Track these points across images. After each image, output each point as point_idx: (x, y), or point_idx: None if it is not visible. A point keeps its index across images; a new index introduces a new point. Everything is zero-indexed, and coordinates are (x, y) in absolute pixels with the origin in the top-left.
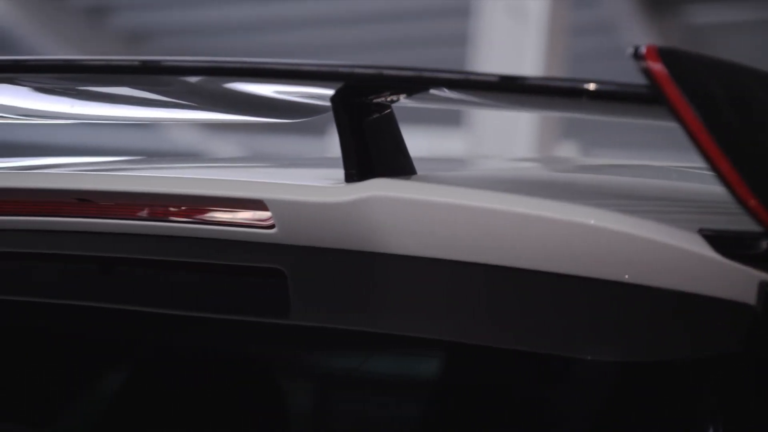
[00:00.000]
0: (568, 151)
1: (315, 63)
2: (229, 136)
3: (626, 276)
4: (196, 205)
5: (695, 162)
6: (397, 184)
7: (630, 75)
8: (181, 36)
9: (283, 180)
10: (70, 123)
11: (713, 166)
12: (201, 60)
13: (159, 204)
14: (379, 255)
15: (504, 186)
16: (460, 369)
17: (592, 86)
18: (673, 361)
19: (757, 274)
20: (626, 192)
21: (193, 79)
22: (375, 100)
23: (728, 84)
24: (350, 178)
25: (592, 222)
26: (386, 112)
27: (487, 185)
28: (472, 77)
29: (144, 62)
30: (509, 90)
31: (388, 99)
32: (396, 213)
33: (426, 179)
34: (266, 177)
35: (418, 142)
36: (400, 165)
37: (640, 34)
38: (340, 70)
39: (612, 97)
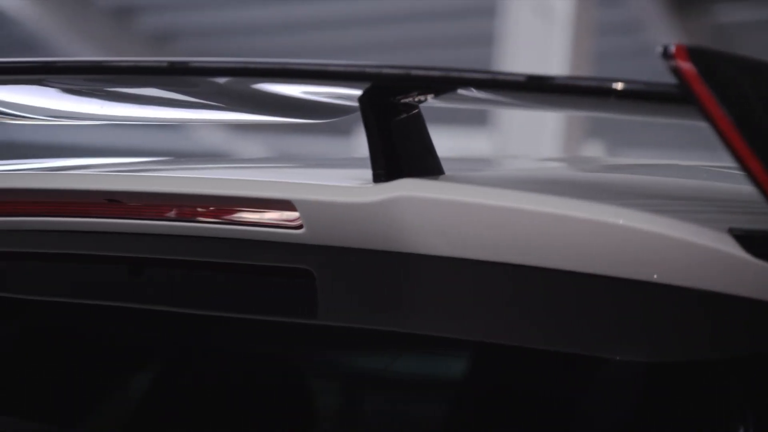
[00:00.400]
0: (593, 150)
1: (342, 63)
2: (254, 136)
3: (655, 276)
4: (225, 205)
5: (724, 161)
6: (425, 185)
7: (656, 74)
8: (206, 37)
9: (311, 180)
10: (98, 124)
11: (743, 165)
12: (229, 61)
13: (187, 205)
14: (407, 255)
15: (531, 186)
16: (488, 369)
17: (620, 86)
18: (702, 362)
19: None
20: (654, 191)
21: (220, 80)
22: (403, 101)
23: (758, 82)
24: (378, 178)
25: (621, 222)
26: (414, 112)
27: (515, 185)
28: (499, 77)
29: (172, 63)
30: (537, 90)
31: (416, 99)
32: (424, 213)
33: (454, 179)
34: (294, 177)
35: (443, 142)
36: (427, 165)
37: (665, 34)
38: (368, 70)
39: (640, 97)
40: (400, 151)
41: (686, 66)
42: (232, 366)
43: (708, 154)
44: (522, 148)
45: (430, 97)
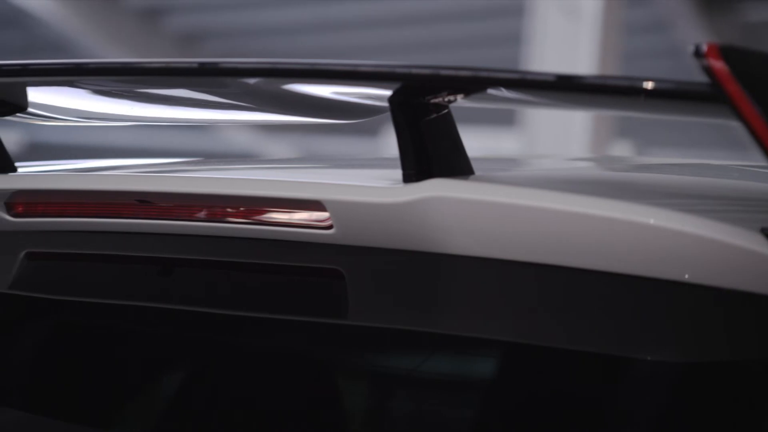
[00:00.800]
0: (622, 150)
1: (372, 64)
2: (282, 137)
3: (686, 276)
4: (255, 206)
5: (756, 160)
6: (455, 185)
7: (684, 73)
8: (234, 38)
9: (341, 181)
10: (128, 125)
11: None
12: (259, 62)
13: (218, 205)
14: (437, 255)
15: (562, 185)
16: (519, 369)
17: (650, 85)
18: (734, 362)
19: None
20: (685, 191)
21: (250, 81)
22: (432, 101)
23: None
24: (408, 178)
25: (652, 221)
26: (444, 112)
27: (545, 185)
28: (528, 77)
29: (202, 64)
30: (567, 89)
31: (446, 99)
32: (455, 213)
33: (484, 179)
34: (324, 178)
35: (471, 142)
36: (458, 165)
37: (693, 32)
38: (398, 70)
39: (671, 96)
40: (430, 151)
41: (718, 64)
42: (262, 366)
43: (736, 154)
44: (550, 148)
45: (459, 97)
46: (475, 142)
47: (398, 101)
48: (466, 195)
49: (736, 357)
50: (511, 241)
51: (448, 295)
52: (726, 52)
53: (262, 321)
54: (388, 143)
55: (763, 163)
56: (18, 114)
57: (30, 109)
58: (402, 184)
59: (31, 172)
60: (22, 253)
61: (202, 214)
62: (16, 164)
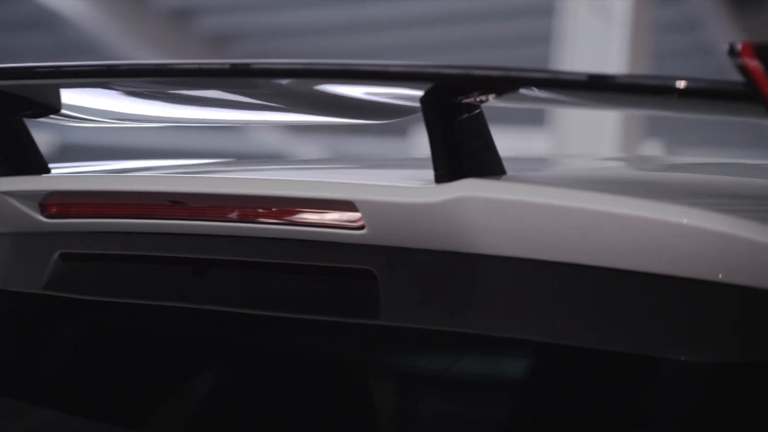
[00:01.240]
0: (652, 149)
1: (404, 64)
2: (310, 137)
3: (720, 275)
4: (287, 206)
5: None
6: (488, 185)
7: (715, 72)
8: (264, 39)
9: (372, 181)
10: (158, 126)
11: None
12: (290, 62)
13: (250, 206)
14: (470, 255)
15: (594, 185)
16: (553, 370)
17: (683, 84)
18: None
19: None
20: (718, 190)
21: (282, 82)
22: (464, 101)
23: None
24: (440, 178)
25: (685, 221)
26: (476, 112)
27: (578, 185)
28: (560, 76)
29: (234, 65)
30: (599, 89)
31: (478, 99)
32: (487, 213)
33: (516, 179)
34: (355, 178)
35: (500, 142)
36: (489, 165)
37: (724, 31)
38: (429, 71)
39: (705, 95)
40: (462, 151)
41: (753, 63)
42: (295, 367)
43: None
44: (580, 148)
45: (491, 97)
46: (504, 142)
47: (430, 101)
48: (499, 195)
49: None
50: (544, 241)
51: (481, 295)
52: (761, 51)
53: (295, 322)
54: (418, 143)
55: None
56: (51, 116)
57: (63, 111)
58: (434, 185)
59: (64, 173)
60: (56, 254)
61: (235, 214)
62: (49, 165)
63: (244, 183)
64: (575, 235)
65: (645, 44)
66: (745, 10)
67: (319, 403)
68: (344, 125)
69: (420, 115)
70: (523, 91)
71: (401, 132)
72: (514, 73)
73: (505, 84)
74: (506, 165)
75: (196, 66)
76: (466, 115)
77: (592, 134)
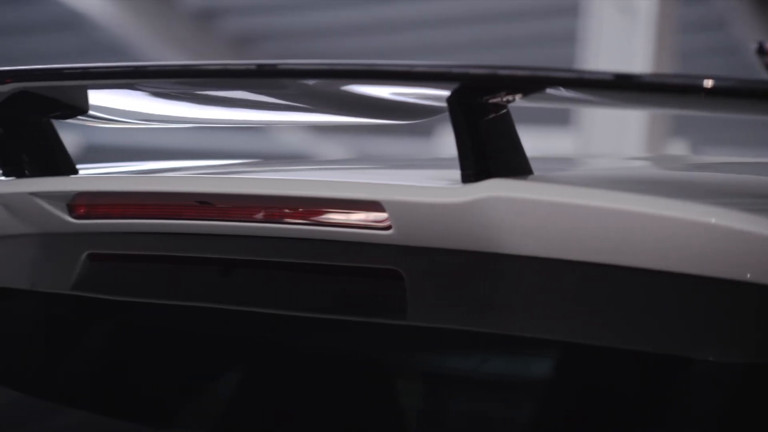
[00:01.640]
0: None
1: (430, 64)
2: (334, 137)
3: (748, 275)
4: (314, 207)
5: None
6: (515, 185)
7: (741, 70)
8: (288, 39)
9: (399, 181)
10: (182, 127)
11: None
12: (316, 63)
13: (277, 206)
14: (497, 255)
15: (621, 185)
16: (580, 370)
17: (711, 83)
18: None
19: None
20: (746, 189)
21: (308, 82)
22: (491, 101)
23: None
24: (467, 178)
25: (713, 221)
26: (502, 112)
27: (605, 184)
28: (587, 76)
29: (260, 66)
30: (626, 88)
31: (504, 99)
32: (514, 213)
33: (543, 179)
34: (382, 178)
35: (524, 142)
36: (516, 165)
37: (750, 30)
38: (455, 71)
39: (732, 94)
40: (489, 151)
41: None
42: (322, 366)
43: None
44: (605, 148)
45: (518, 97)
46: (529, 142)
47: (457, 101)
48: (526, 195)
49: None
50: (571, 241)
51: (507, 295)
52: None
53: (322, 322)
54: (443, 144)
55: None
56: (79, 117)
57: (90, 112)
58: (461, 185)
59: (91, 174)
60: (84, 255)
61: (262, 215)
62: (77, 166)
63: (272, 183)
64: (603, 235)
65: (670, 43)
66: None
67: (347, 404)
68: (369, 125)
69: (445, 115)
70: (549, 90)
71: (426, 132)
72: (540, 73)
73: (532, 84)
74: (532, 165)
75: (223, 67)
76: (492, 115)
77: (617, 134)
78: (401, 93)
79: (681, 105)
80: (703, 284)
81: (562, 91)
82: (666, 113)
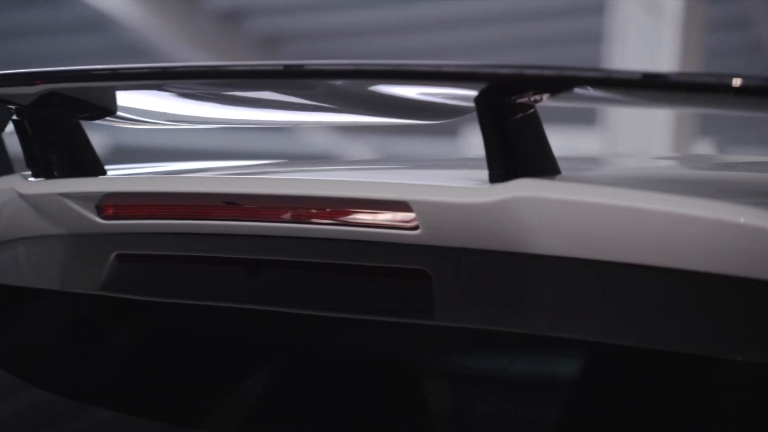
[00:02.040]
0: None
1: (457, 64)
2: (359, 138)
3: None
4: (342, 207)
5: None
6: (543, 184)
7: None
8: (314, 40)
9: (426, 181)
10: (207, 127)
11: None
12: (344, 63)
13: (305, 206)
14: (525, 255)
15: (649, 184)
16: (609, 370)
17: (739, 82)
18: None
19: None
20: None
21: (335, 82)
22: (518, 100)
23: None
24: (495, 178)
25: (742, 220)
26: (530, 111)
27: (633, 184)
28: (614, 75)
29: (287, 66)
30: (654, 87)
31: (532, 99)
32: (542, 213)
33: (571, 179)
34: (409, 178)
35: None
36: (544, 165)
37: None
38: (483, 70)
39: (761, 93)
40: (517, 151)
41: None
42: (350, 367)
43: None
44: (631, 147)
45: (545, 97)
46: (554, 141)
47: (484, 101)
48: (554, 195)
49: None
50: (599, 241)
51: (535, 295)
52: None
53: (349, 322)
54: (469, 144)
55: None
56: (107, 118)
57: (118, 113)
58: (488, 185)
59: (120, 175)
60: (112, 255)
61: (289, 215)
62: (105, 167)
63: (299, 184)
64: (631, 234)
65: (697, 42)
66: None
67: (373, 404)
68: (394, 125)
69: (471, 115)
70: (577, 90)
71: (451, 132)
72: (568, 73)
73: (560, 83)
74: (559, 164)
75: (250, 67)
76: (520, 115)
77: (643, 133)
78: (428, 93)
79: (708, 104)
80: (733, 284)
81: (590, 91)
82: (692, 113)
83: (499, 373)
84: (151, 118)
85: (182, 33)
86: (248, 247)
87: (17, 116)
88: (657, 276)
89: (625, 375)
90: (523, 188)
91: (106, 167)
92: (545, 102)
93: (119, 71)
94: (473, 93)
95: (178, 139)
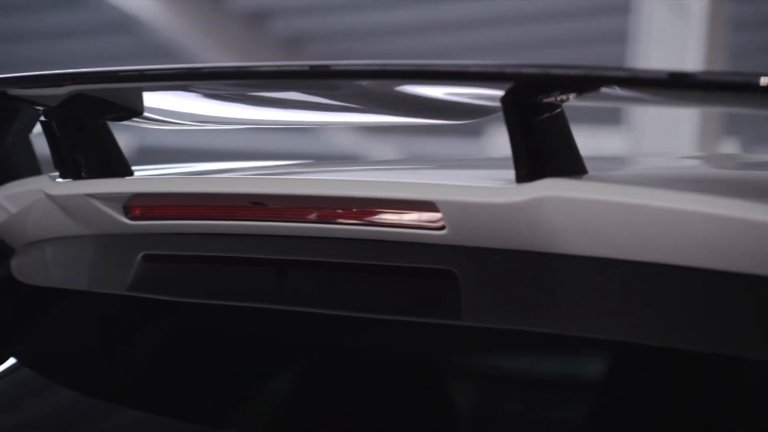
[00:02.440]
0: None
1: (483, 64)
2: (383, 138)
3: None
4: (368, 207)
5: None
6: (569, 184)
7: None
8: (337, 40)
9: (452, 181)
10: (231, 128)
11: None
12: (370, 63)
13: (331, 207)
14: (552, 255)
15: (676, 184)
16: (635, 370)
17: (766, 80)
18: None
19: None
20: None
21: (361, 83)
22: (545, 100)
23: None
24: (521, 178)
25: None
26: (557, 111)
27: (660, 183)
28: (641, 74)
29: (313, 67)
30: (681, 86)
31: (559, 98)
32: (569, 213)
33: (598, 178)
34: (435, 178)
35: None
36: (571, 164)
37: None
38: (510, 70)
39: None
40: (544, 151)
41: None
42: (376, 367)
43: None
44: (656, 147)
45: (572, 96)
46: (579, 141)
47: (511, 101)
48: (581, 194)
49: None
50: (626, 241)
51: (562, 295)
52: None
53: (376, 322)
54: (492, 143)
55: None
56: (134, 119)
57: (144, 114)
58: (515, 184)
59: (147, 176)
60: (139, 255)
61: (316, 215)
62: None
63: (325, 184)
64: (660, 234)
65: (721, 41)
66: None
67: (400, 404)
68: (418, 125)
69: (496, 115)
70: (603, 89)
71: (474, 132)
72: (595, 72)
73: (587, 83)
74: (586, 164)
75: (276, 68)
76: (546, 115)
77: (668, 133)
78: (454, 93)
79: (734, 103)
80: (762, 284)
81: (616, 90)
82: (717, 112)
83: (525, 374)
84: (178, 119)
85: (206, 34)
86: (275, 248)
87: (45, 117)
88: (687, 276)
89: (657, 376)
90: (550, 188)
91: (133, 168)
92: (572, 102)
93: (147, 72)
94: (499, 93)
95: (203, 139)
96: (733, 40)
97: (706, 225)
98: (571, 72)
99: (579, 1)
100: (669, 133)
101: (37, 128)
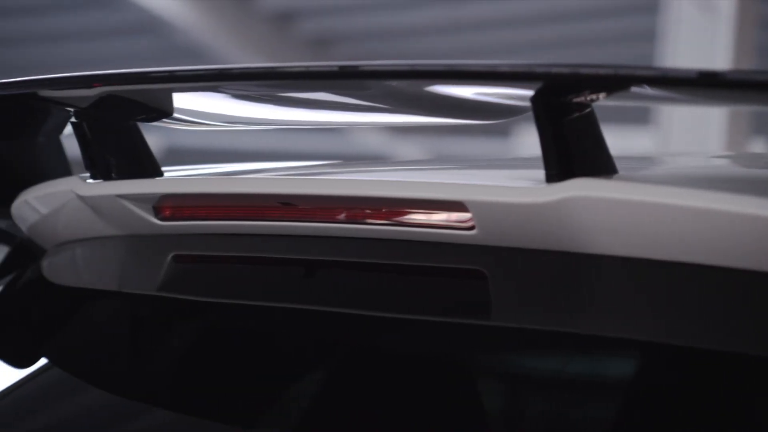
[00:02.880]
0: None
1: (513, 64)
2: (410, 138)
3: None
4: (397, 207)
5: None
6: (600, 184)
7: None
8: (365, 40)
9: (482, 181)
10: (258, 129)
11: None
12: (399, 63)
13: (360, 207)
14: (582, 255)
15: (707, 183)
16: (665, 371)
17: None
18: None
19: None
20: None
21: (390, 83)
22: (575, 100)
23: None
24: (551, 178)
25: None
26: (587, 111)
27: (690, 183)
28: (671, 74)
29: (342, 67)
30: (711, 85)
31: (588, 98)
32: (599, 212)
33: (628, 178)
34: (464, 179)
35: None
36: (601, 164)
37: None
38: (540, 70)
39: None
40: (574, 151)
41: None
42: (404, 367)
43: None
44: (685, 146)
45: (602, 96)
46: (607, 141)
47: (541, 101)
48: (611, 194)
49: None
50: (657, 241)
51: (592, 295)
52: None
53: (405, 323)
54: (521, 143)
55: None
56: (163, 120)
57: (174, 115)
58: (545, 184)
59: (177, 177)
60: (170, 256)
61: (345, 216)
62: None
63: (355, 184)
64: (690, 234)
65: (750, 40)
66: None
67: (428, 405)
68: (446, 125)
69: (525, 115)
70: (633, 89)
71: (502, 132)
72: (625, 71)
73: (617, 82)
74: (616, 164)
75: (305, 69)
76: (576, 114)
77: (697, 132)
78: (484, 93)
79: (764, 102)
80: None
81: (646, 89)
82: (745, 111)
83: (555, 375)
84: (207, 120)
85: (233, 35)
86: (304, 248)
87: (75, 118)
88: (718, 276)
89: (688, 376)
90: (580, 188)
91: (162, 169)
92: (601, 101)
93: (177, 73)
94: (529, 93)
95: (231, 140)
96: (761, 39)
97: (737, 224)
98: (601, 71)
99: (607, 1)
100: (698, 132)
101: (68, 129)
